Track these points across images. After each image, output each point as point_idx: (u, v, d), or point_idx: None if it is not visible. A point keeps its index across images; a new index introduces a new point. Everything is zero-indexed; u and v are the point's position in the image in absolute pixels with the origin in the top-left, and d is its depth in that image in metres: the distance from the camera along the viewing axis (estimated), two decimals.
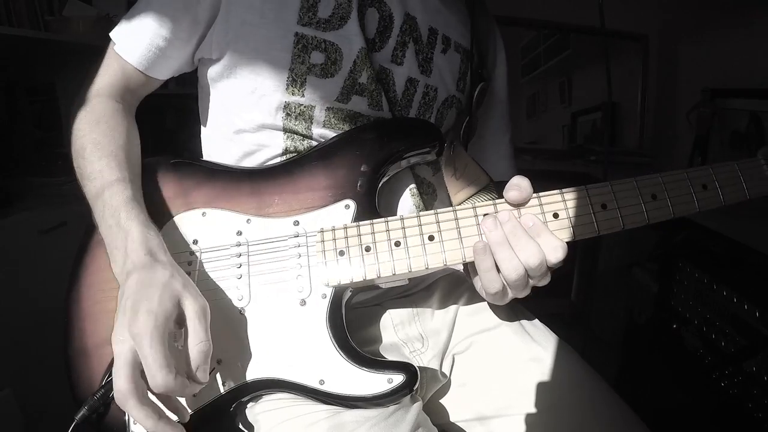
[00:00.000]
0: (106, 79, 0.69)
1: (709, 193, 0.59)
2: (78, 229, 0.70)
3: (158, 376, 0.49)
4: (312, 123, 0.67)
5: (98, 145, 0.64)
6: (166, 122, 2.32)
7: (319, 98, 0.66)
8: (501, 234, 0.56)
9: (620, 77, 2.18)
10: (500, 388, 0.69)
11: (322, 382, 0.58)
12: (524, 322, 0.75)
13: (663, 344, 1.39)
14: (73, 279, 0.68)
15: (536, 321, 0.77)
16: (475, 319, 0.75)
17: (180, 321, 0.54)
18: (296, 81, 0.65)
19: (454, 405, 0.72)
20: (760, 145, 1.53)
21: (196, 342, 0.53)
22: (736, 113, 1.64)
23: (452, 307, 0.76)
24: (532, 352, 0.71)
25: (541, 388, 0.67)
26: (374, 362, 0.58)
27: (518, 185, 0.58)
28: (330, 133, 0.68)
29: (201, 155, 0.78)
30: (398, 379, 0.57)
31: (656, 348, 1.43)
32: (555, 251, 0.55)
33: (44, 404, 1.27)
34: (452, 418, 0.72)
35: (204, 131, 0.77)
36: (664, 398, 1.35)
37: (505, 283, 0.57)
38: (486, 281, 0.58)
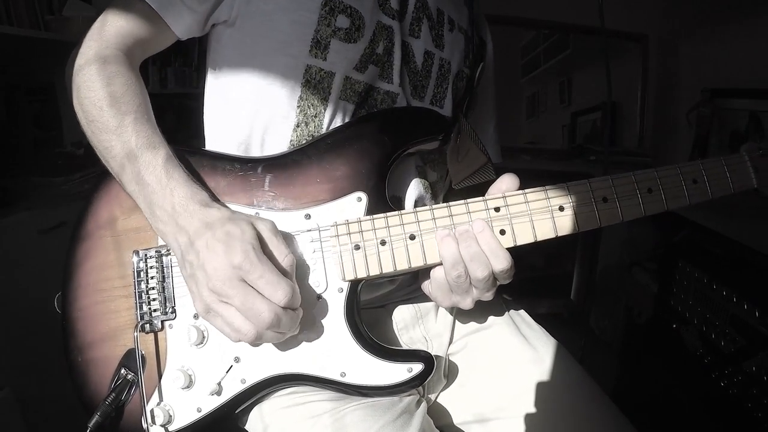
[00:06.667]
0: (116, 28, 0.64)
1: (699, 187, 0.64)
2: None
3: (281, 285, 0.52)
4: (330, 94, 0.66)
5: (119, 100, 0.61)
6: (166, 122, 2.32)
7: (340, 64, 0.66)
8: (453, 244, 0.58)
9: (620, 77, 2.18)
10: (495, 391, 0.69)
11: (343, 374, 0.59)
12: (520, 324, 0.76)
13: (663, 344, 1.39)
14: (68, 280, 0.66)
15: (533, 323, 0.77)
16: (469, 319, 0.75)
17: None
18: (320, 43, 0.65)
19: (452, 407, 0.72)
20: None
21: (282, 257, 0.54)
22: (736, 113, 1.63)
23: (452, 309, 0.76)
24: (526, 355, 0.71)
25: (536, 391, 0.67)
26: (393, 352, 0.60)
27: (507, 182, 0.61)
28: (342, 109, 0.67)
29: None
30: (418, 367, 0.59)
31: (656, 348, 1.43)
32: (501, 261, 0.58)
33: (44, 404, 1.27)
34: (450, 420, 0.72)
35: (208, 110, 0.74)
36: (664, 398, 1.35)
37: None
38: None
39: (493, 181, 0.63)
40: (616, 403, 0.69)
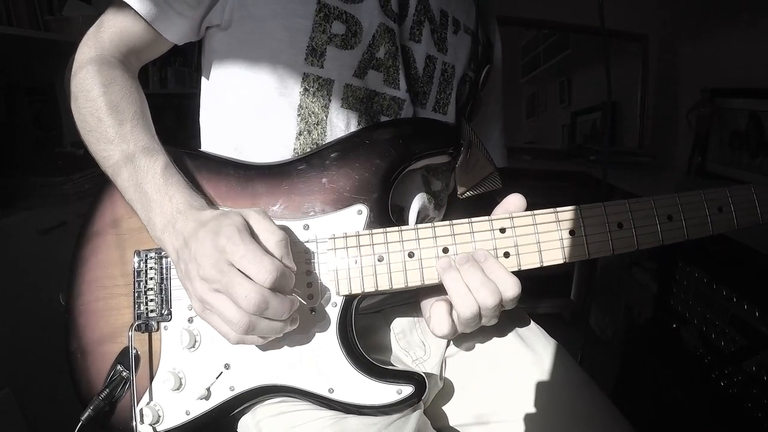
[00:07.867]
0: (109, 35, 0.64)
1: (724, 216, 0.59)
2: (78, 229, 0.69)
3: (264, 263, 0.49)
4: (330, 101, 0.64)
5: (116, 108, 0.61)
6: (166, 122, 2.32)
7: (337, 71, 0.64)
8: (457, 275, 0.55)
9: (620, 77, 2.18)
10: (494, 393, 0.69)
11: (331, 390, 0.58)
12: (518, 325, 0.75)
13: (663, 344, 1.39)
14: (73, 275, 0.67)
15: (532, 324, 0.77)
16: None
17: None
18: (316, 51, 0.63)
19: (450, 408, 0.72)
20: (759, 145, 1.53)
21: (269, 235, 0.52)
22: (736, 113, 1.63)
23: None
24: (526, 356, 0.71)
25: (535, 392, 0.67)
26: (384, 372, 0.58)
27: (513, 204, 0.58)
28: (345, 116, 0.66)
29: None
30: (408, 390, 0.57)
31: (656, 348, 1.43)
32: (511, 288, 0.54)
33: (44, 404, 1.27)
34: (448, 422, 0.71)
35: (204, 114, 0.73)
36: (664, 398, 1.35)
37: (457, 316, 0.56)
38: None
39: (498, 189, 0.61)
40: (615, 404, 0.68)
